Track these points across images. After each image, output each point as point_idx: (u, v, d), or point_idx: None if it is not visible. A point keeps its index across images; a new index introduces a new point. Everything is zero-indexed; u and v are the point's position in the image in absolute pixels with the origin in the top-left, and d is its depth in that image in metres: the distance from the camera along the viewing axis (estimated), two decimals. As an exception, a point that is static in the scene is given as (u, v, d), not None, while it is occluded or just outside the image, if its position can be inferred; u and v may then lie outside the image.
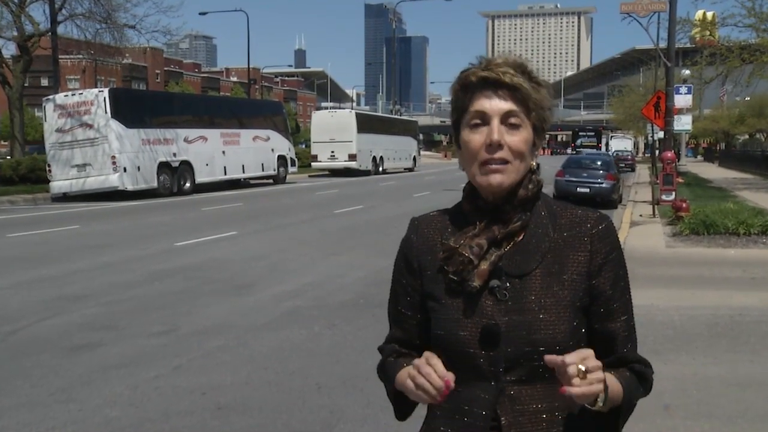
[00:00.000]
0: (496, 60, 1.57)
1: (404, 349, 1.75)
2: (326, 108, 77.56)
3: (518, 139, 1.55)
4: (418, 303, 1.70)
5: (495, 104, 1.55)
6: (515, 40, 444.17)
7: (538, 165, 1.65)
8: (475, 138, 1.56)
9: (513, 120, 1.55)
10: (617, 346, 1.62)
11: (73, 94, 25.19)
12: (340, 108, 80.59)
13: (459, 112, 1.61)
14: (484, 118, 1.55)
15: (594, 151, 43.76)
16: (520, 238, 1.60)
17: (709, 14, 23.95)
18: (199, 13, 54.44)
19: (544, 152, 75.84)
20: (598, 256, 1.59)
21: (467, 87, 1.58)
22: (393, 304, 1.77)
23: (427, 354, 1.53)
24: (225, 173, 29.70)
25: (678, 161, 27.22)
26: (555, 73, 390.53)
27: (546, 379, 1.53)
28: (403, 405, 1.72)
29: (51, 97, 25.25)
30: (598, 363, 1.44)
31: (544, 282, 1.57)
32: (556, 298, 1.56)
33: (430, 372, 1.48)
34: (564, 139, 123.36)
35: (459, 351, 1.57)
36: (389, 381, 1.71)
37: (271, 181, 33.67)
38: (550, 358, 1.43)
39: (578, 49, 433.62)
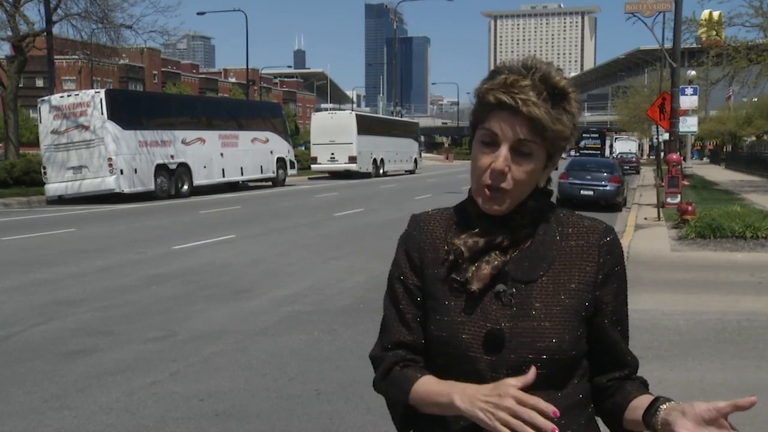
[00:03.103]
0: (522, 81, 1.45)
1: (410, 354, 1.65)
2: (326, 109, 77.65)
3: (524, 170, 1.49)
4: (420, 300, 1.63)
5: (507, 131, 1.47)
6: (518, 40, 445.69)
7: (549, 178, 1.60)
8: (483, 159, 1.50)
9: (524, 149, 1.48)
10: (620, 356, 1.64)
11: (68, 95, 25.08)
12: (340, 109, 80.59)
13: (476, 119, 1.55)
14: (495, 140, 1.48)
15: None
16: (527, 245, 1.56)
17: (716, 14, 23.84)
18: (197, 13, 54.51)
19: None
20: (604, 268, 1.57)
21: (485, 102, 1.50)
22: (394, 305, 1.67)
23: (506, 389, 1.39)
24: (223, 175, 29.66)
25: (684, 163, 27.11)
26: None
27: (546, 386, 1.50)
28: (409, 415, 1.62)
29: (46, 98, 25.15)
30: None
31: (551, 290, 1.53)
32: (563, 307, 1.52)
33: (534, 416, 1.34)
34: None
35: (460, 354, 1.53)
36: (401, 393, 1.60)
37: (270, 183, 33.67)
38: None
39: (582, 50, 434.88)
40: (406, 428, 1.67)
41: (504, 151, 1.47)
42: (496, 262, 1.53)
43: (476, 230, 1.55)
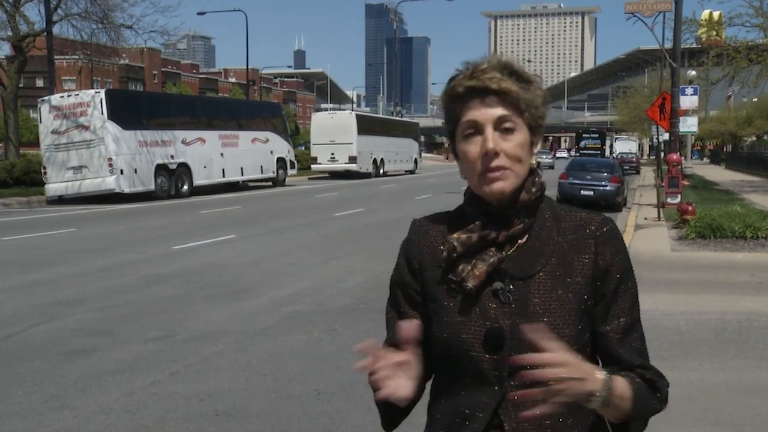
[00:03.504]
0: (482, 65, 1.54)
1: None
2: (326, 109, 77.61)
3: (513, 144, 1.53)
4: (420, 304, 1.66)
5: (485, 112, 1.52)
6: (518, 40, 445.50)
7: (538, 164, 1.58)
8: (471, 149, 1.54)
9: (506, 125, 1.52)
10: (612, 351, 1.59)
11: (68, 95, 25.08)
12: (340, 109, 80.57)
13: (452, 122, 1.59)
14: (477, 127, 1.53)
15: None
16: (524, 240, 1.57)
17: (716, 14, 23.84)
18: (198, 13, 54.55)
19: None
20: (602, 259, 1.57)
21: (456, 97, 1.55)
22: (394, 309, 1.72)
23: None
24: (223, 176, 29.65)
25: (684, 163, 27.09)
26: (558, 74, 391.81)
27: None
28: (391, 413, 1.66)
29: (46, 98, 25.14)
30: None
31: (549, 285, 1.54)
32: (561, 302, 1.53)
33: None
34: (567, 141, 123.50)
35: (462, 355, 1.54)
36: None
37: (270, 183, 33.65)
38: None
39: (582, 50, 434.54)
40: (388, 425, 1.70)
41: (489, 131, 1.51)
42: (491, 260, 1.53)
43: (470, 227, 1.56)
